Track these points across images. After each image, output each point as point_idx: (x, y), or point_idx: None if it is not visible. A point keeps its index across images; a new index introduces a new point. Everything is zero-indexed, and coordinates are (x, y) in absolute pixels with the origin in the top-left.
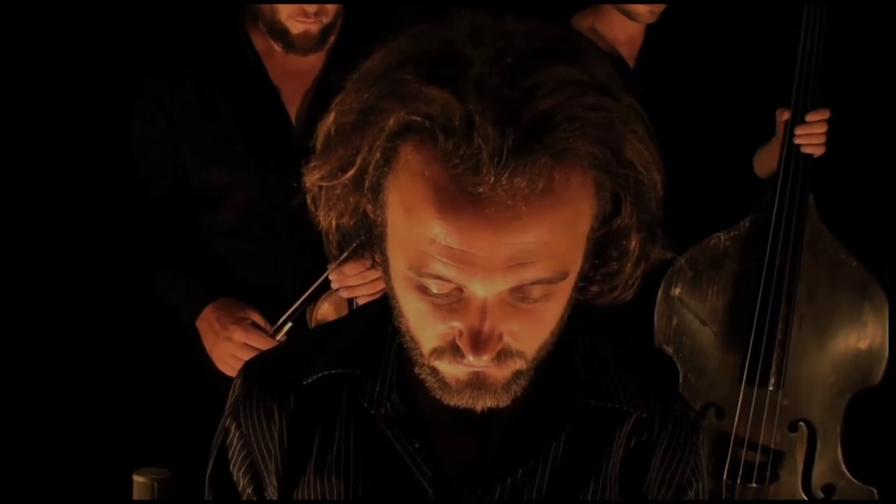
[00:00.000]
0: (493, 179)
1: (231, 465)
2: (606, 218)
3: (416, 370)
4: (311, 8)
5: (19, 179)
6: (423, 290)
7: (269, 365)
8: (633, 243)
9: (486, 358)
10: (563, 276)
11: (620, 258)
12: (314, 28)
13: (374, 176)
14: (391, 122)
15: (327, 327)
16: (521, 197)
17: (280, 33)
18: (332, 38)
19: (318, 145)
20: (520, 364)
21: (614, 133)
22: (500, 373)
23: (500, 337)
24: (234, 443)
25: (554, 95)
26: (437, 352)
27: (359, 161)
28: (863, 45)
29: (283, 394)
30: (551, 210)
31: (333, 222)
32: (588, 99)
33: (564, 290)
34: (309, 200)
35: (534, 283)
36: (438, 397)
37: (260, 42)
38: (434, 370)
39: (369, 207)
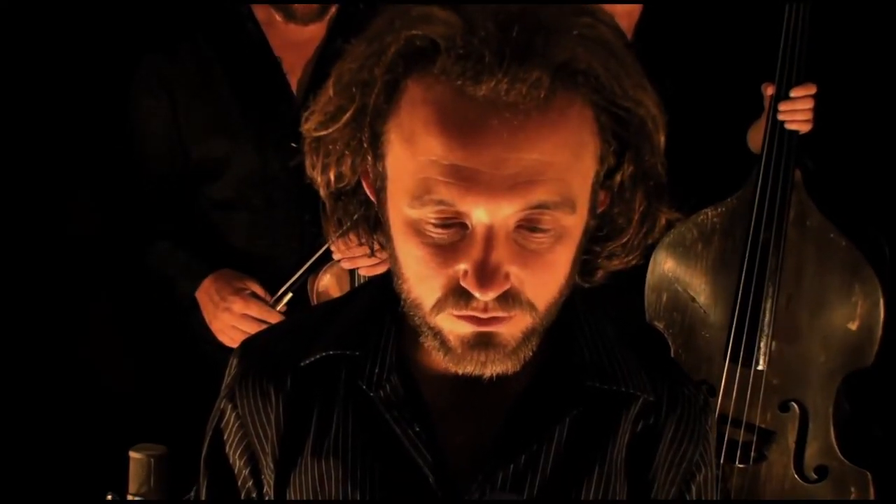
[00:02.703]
0: (494, 84)
1: (227, 447)
2: (611, 171)
3: (421, 338)
4: None
5: (18, 153)
6: (424, 235)
7: (266, 345)
8: (638, 197)
9: (492, 294)
10: (570, 204)
11: (626, 213)
12: None
13: (375, 120)
14: (391, 50)
15: (326, 306)
16: (524, 109)
17: (281, 3)
18: (333, 9)
19: (319, 104)
20: (528, 320)
21: (614, 59)
22: (509, 331)
23: (506, 276)
24: (230, 424)
25: (553, 11)
26: (441, 303)
27: (358, 99)
28: (851, 19)
29: (281, 375)
30: (555, 128)
31: (331, 178)
32: (587, 20)
33: (571, 235)
34: (308, 164)
35: (539, 206)
36: (445, 366)
37: (261, 12)
38: (438, 332)
39: (368, 162)
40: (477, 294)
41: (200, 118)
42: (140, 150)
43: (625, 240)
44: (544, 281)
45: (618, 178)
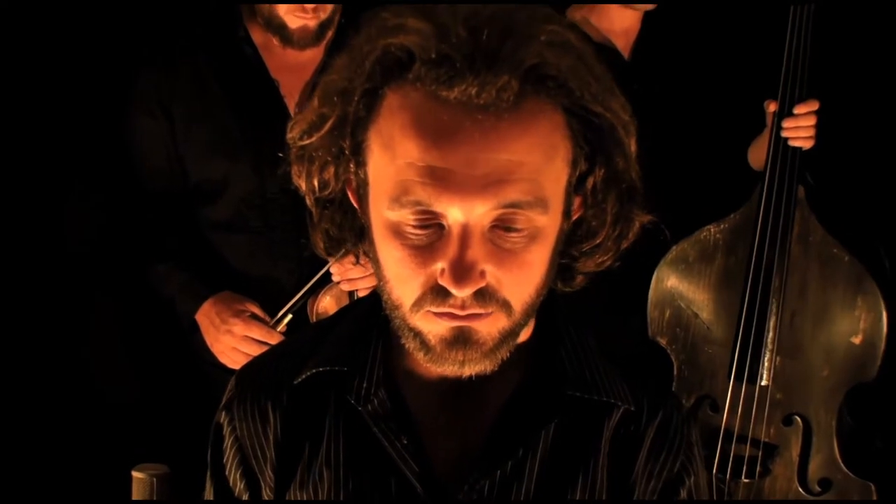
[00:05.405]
0: (465, 87)
1: (226, 470)
2: (583, 175)
3: (402, 340)
4: (310, 4)
5: (18, 171)
6: (403, 235)
7: (261, 367)
8: (611, 200)
9: (467, 290)
10: (542, 204)
11: (600, 215)
12: (312, 23)
13: (356, 128)
14: (369, 59)
15: (319, 325)
16: (495, 112)
17: (278, 28)
18: (329, 33)
19: (303, 114)
20: (504, 320)
21: (583, 65)
22: (486, 329)
23: (482, 274)
24: (229, 448)
25: (523, 17)
26: (419, 301)
27: (339, 108)
28: (853, 34)
29: (277, 393)
30: (526, 130)
31: (315, 186)
32: (554, 27)
33: (545, 235)
34: (294, 172)
35: (511, 205)
36: (426, 365)
37: (258, 36)
38: (417, 333)
39: (351, 170)
40: (453, 290)
41: (198, 139)
42: (138, 165)
43: (598, 241)
44: (520, 280)
45: (590, 181)
